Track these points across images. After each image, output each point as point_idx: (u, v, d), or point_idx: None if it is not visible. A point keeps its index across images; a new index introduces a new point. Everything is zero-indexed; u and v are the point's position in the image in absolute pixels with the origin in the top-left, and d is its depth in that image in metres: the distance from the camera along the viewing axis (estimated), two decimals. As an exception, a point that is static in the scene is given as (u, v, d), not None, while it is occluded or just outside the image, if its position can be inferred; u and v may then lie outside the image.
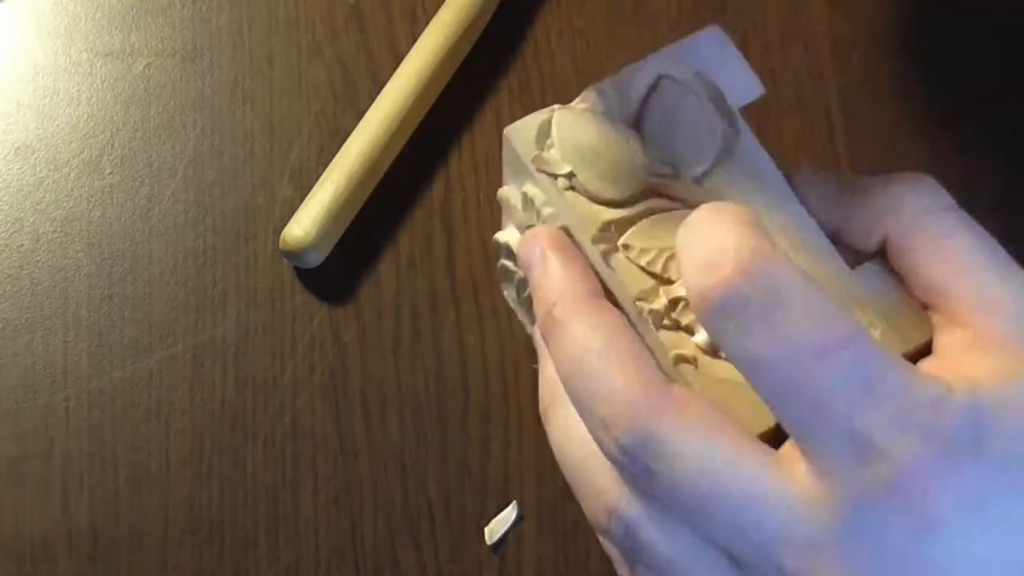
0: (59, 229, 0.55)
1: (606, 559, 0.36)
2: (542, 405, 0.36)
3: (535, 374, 0.37)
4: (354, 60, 0.57)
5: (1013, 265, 0.33)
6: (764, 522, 0.30)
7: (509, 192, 0.38)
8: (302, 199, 0.53)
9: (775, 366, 0.30)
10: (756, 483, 0.30)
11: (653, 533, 0.32)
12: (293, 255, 0.53)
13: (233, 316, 0.53)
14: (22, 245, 0.55)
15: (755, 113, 0.61)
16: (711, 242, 0.31)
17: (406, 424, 0.52)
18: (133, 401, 0.52)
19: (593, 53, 0.58)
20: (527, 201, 0.36)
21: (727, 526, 0.30)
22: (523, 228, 0.37)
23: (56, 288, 0.54)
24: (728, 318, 0.30)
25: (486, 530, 0.50)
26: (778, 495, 0.30)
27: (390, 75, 0.56)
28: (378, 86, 0.55)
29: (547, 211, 0.36)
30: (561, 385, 0.34)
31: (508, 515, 0.50)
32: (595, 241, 0.35)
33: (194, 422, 0.52)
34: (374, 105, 0.55)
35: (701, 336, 0.34)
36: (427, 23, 0.57)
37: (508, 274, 0.40)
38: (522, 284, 0.39)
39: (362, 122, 0.55)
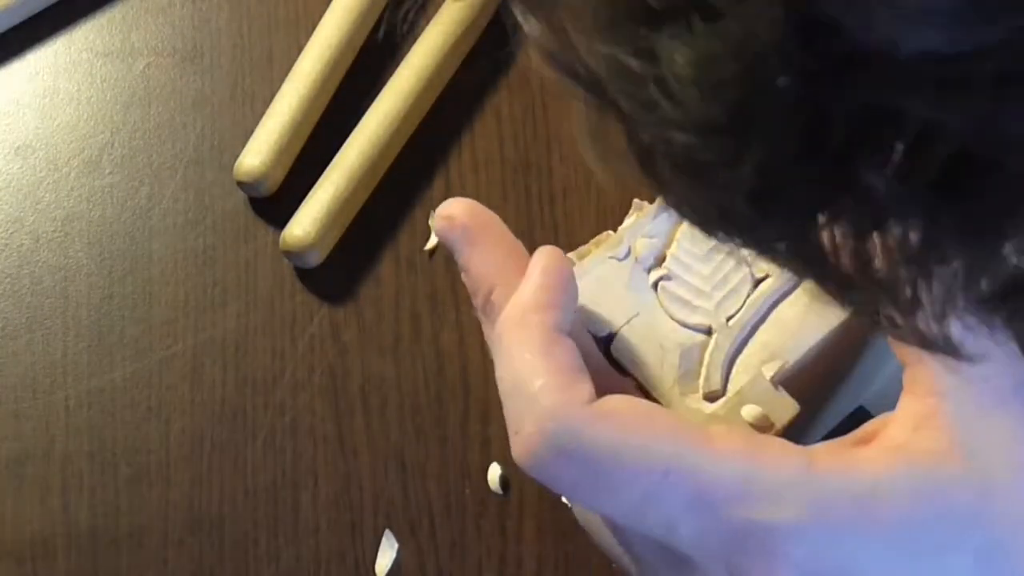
0: (59, 229, 0.55)
1: (605, 557, 0.36)
2: None
3: None
4: (354, 60, 0.57)
5: None
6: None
7: None
8: (302, 199, 0.53)
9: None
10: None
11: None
12: (293, 255, 0.53)
13: (233, 316, 0.53)
14: (22, 244, 0.55)
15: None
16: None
17: (406, 423, 0.52)
18: (133, 400, 0.52)
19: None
20: None
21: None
22: None
23: (56, 287, 0.54)
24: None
25: (376, 567, 0.50)
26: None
27: (390, 74, 0.56)
28: (378, 86, 0.56)
29: None
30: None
31: (387, 549, 0.50)
32: None
33: (194, 421, 0.52)
34: (374, 105, 0.55)
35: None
36: (427, 23, 0.57)
37: None
38: None
39: (362, 122, 0.55)
